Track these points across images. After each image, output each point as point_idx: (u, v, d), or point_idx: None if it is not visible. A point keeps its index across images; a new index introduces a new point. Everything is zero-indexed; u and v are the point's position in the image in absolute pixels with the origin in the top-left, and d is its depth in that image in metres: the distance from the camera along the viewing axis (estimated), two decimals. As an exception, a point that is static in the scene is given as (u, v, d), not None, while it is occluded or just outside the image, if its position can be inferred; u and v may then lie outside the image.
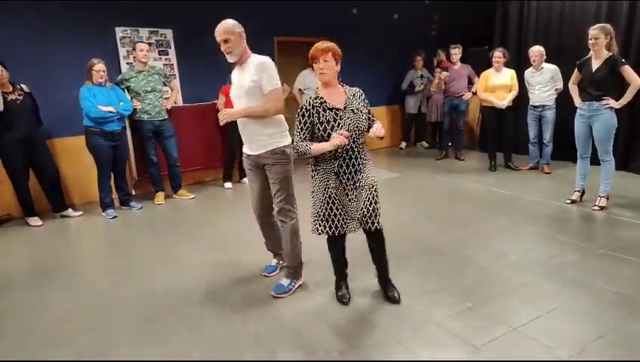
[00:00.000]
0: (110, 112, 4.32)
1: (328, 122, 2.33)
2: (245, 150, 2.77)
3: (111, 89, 4.44)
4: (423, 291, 2.70)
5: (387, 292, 2.62)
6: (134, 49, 4.72)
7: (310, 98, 2.38)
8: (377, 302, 2.59)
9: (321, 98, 2.36)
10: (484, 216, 4.07)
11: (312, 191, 2.49)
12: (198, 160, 5.64)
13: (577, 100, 4.04)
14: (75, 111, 4.42)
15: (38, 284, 3.13)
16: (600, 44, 3.74)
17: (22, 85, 4.22)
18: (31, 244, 4.02)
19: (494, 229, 3.72)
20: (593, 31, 3.76)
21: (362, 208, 2.40)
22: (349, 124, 2.34)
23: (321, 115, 2.34)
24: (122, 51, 5.16)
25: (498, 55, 5.49)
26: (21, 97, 4.17)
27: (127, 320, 2.55)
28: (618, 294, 2.56)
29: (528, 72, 5.39)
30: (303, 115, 2.36)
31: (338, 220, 2.43)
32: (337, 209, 2.42)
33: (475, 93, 6.23)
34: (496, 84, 5.52)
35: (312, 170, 2.49)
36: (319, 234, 2.48)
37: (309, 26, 6.54)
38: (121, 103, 4.47)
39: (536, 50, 5.23)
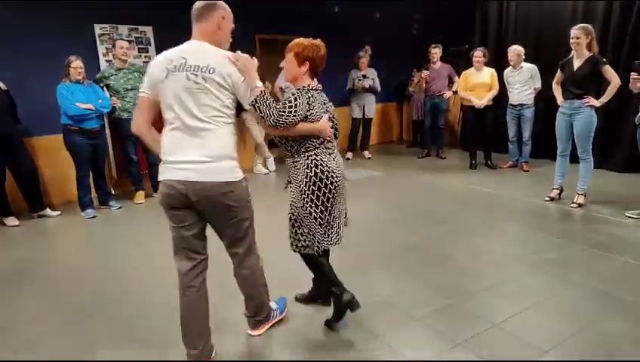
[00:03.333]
0: (88, 110, 4.24)
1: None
2: None
3: (89, 86, 4.35)
4: (403, 288, 2.73)
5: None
6: (114, 46, 4.63)
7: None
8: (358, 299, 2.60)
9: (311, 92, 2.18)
10: (464, 213, 4.13)
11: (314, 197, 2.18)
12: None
13: (560, 99, 4.13)
14: (53, 110, 4.31)
15: (14, 284, 3.06)
16: (581, 43, 3.83)
17: (-1, 83, 4.11)
18: (7, 244, 3.91)
19: (474, 226, 3.77)
20: (575, 31, 3.85)
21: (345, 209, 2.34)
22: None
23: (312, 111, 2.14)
24: (101, 48, 5.05)
25: (478, 55, 5.57)
26: (-3, 95, 4.06)
27: (104, 320, 2.50)
28: (595, 289, 2.62)
29: (507, 72, 5.48)
30: (301, 98, 2.10)
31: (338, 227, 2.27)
32: (297, 221, 2.23)
33: (455, 92, 6.31)
34: (476, 83, 5.60)
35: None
36: (322, 249, 2.25)
37: (290, 23, 6.51)
38: (100, 101, 4.38)
39: (514, 50, 5.31)
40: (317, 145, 2.16)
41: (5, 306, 2.76)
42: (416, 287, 2.74)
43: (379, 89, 6.71)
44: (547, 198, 4.31)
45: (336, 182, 2.19)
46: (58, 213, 4.59)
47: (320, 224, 2.19)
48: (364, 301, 2.56)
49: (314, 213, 2.17)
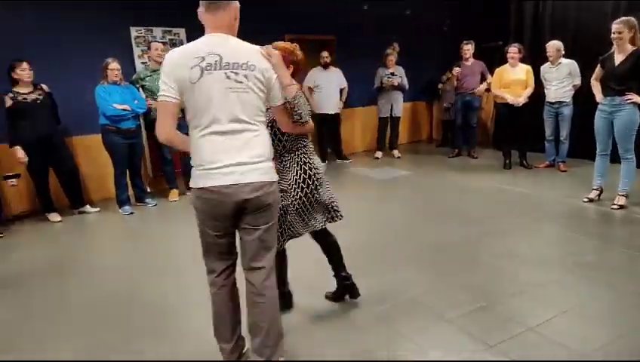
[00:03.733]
0: (125, 110, 4.39)
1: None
2: None
3: (126, 87, 4.51)
4: (433, 289, 2.69)
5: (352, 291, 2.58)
6: (149, 48, 4.78)
7: None
8: (387, 299, 2.59)
9: None
10: (497, 214, 4.03)
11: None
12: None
13: (599, 96, 3.96)
14: (92, 110, 4.50)
15: (56, 276, 3.22)
16: (624, 38, 3.67)
17: (42, 85, 4.32)
18: (50, 238, 4.12)
19: (509, 227, 3.67)
20: (616, 25, 3.69)
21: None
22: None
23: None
24: (137, 50, 5.22)
25: (513, 50, 5.41)
26: (41, 97, 4.26)
27: (142, 314, 2.58)
28: (637, 294, 2.51)
29: (545, 68, 5.29)
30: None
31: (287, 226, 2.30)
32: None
33: (488, 90, 6.15)
34: (511, 80, 5.44)
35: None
36: (289, 239, 2.32)
37: (319, 23, 6.55)
38: (136, 102, 4.53)
39: (553, 45, 5.12)
40: (306, 143, 2.29)
41: (46, 294, 2.92)
42: (447, 288, 2.69)
43: (407, 87, 6.63)
44: (586, 199, 4.15)
45: (320, 176, 2.32)
46: (97, 209, 4.79)
47: (302, 215, 2.30)
48: (393, 300, 2.57)
49: (300, 208, 2.27)
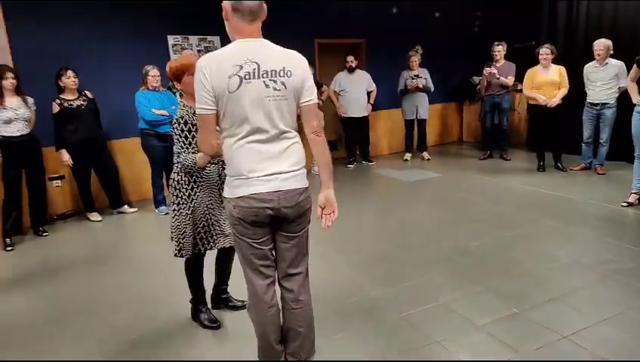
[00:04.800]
0: (163, 115, 4.57)
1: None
2: None
3: (164, 94, 4.69)
4: (464, 294, 2.69)
5: (229, 302, 2.70)
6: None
7: (188, 112, 2.22)
8: (416, 304, 2.61)
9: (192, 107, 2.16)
10: (531, 217, 3.96)
11: (189, 210, 2.31)
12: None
13: (636, 97, 3.86)
14: (130, 115, 4.71)
15: (97, 272, 3.42)
16: None
17: (86, 92, 4.56)
18: (91, 236, 4.36)
19: (543, 231, 3.62)
20: None
21: None
22: None
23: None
24: (174, 57, 5.42)
25: (545, 51, 5.29)
26: (85, 103, 4.50)
27: (171, 313, 2.68)
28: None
29: (590, 67, 5.10)
30: (190, 130, 2.21)
31: (213, 235, 2.38)
32: (213, 224, 2.36)
33: (514, 90, 6.03)
34: (544, 81, 5.32)
35: (186, 186, 2.31)
36: (198, 252, 2.37)
37: (348, 28, 6.59)
38: (173, 107, 4.71)
39: (602, 44, 4.92)
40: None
41: (87, 286, 3.17)
42: (478, 293, 2.69)
43: (432, 89, 6.55)
44: (625, 204, 4.03)
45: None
46: (135, 209, 5.00)
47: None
48: (422, 305, 2.58)
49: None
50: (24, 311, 2.87)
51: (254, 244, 1.78)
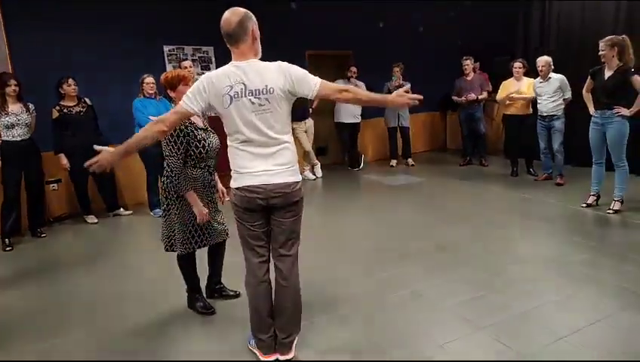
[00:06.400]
0: (158, 122, 4.82)
1: (204, 140, 2.53)
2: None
3: (160, 101, 4.95)
4: (435, 283, 3.00)
5: (222, 291, 2.95)
6: (180, 66, 5.23)
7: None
8: (391, 291, 2.90)
9: (188, 120, 2.41)
10: (502, 217, 4.31)
11: (178, 210, 2.56)
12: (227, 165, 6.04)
13: (591, 108, 4.24)
14: (127, 121, 4.95)
15: (94, 271, 3.61)
16: (607, 56, 3.97)
17: (85, 99, 4.81)
18: (87, 238, 4.55)
19: (511, 229, 3.96)
20: (601, 44, 4.00)
21: (222, 220, 2.74)
22: (215, 142, 2.63)
23: (197, 134, 2.50)
24: (169, 67, 5.70)
25: (518, 65, 5.72)
26: (84, 109, 4.75)
27: (177, 300, 2.89)
28: (620, 287, 2.77)
29: (536, 82, 5.42)
30: (179, 136, 2.43)
31: (205, 234, 2.63)
32: (206, 225, 2.61)
33: (488, 100, 6.46)
34: (516, 92, 5.70)
35: (174, 188, 2.52)
36: (191, 251, 2.62)
37: (337, 39, 6.95)
38: (168, 114, 4.96)
39: (543, 61, 5.22)
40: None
41: (84, 284, 3.35)
42: (448, 282, 2.99)
43: None
44: (584, 204, 4.39)
45: None
46: (130, 212, 5.23)
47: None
48: (397, 291, 2.88)
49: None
50: (22, 308, 3.00)
51: (249, 226, 2.13)
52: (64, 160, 4.68)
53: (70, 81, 4.62)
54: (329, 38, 6.91)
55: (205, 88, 1.97)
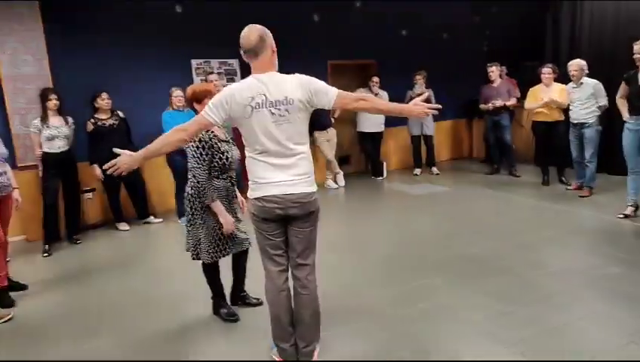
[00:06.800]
0: (187, 133, 4.97)
1: (227, 152, 2.62)
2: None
3: (188, 113, 5.08)
4: (458, 295, 2.94)
5: (245, 299, 2.99)
6: (206, 79, 5.40)
7: (202, 134, 2.50)
8: (412, 304, 2.87)
9: (212, 132, 2.58)
10: (529, 228, 4.18)
11: (202, 220, 2.63)
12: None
13: (625, 114, 4.07)
14: (157, 132, 5.09)
15: (125, 276, 3.75)
16: None
17: (118, 112, 5.01)
18: (119, 245, 4.72)
19: (539, 241, 3.83)
20: (636, 47, 3.83)
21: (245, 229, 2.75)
22: (236, 153, 2.71)
23: (220, 146, 2.59)
24: (197, 80, 5.87)
25: (547, 71, 5.52)
26: (117, 122, 4.95)
27: (203, 306, 2.96)
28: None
29: (569, 87, 5.22)
30: (204, 148, 2.52)
31: (227, 243, 2.69)
32: (231, 235, 2.66)
33: (512, 108, 6.29)
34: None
35: (199, 199, 2.60)
36: (217, 259, 2.69)
37: (359, 49, 6.98)
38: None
39: (575, 64, 4.98)
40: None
41: (116, 288, 3.48)
42: (471, 294, 2.93)
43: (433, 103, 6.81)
44: (621, 215, 4.21)
45: None
46: (160, 220, 5.38)
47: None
48: (418, 304, 2.84)
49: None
50: (59, 309, 3.18)
51: (268, 236, 2.18)
52: (98, 170, 4.87)
53: (104, 95, 4.84)
54: (351, 48, 6.93)
55: (227, 100, 2.03)
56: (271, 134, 2.04)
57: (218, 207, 2.57)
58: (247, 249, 2.84)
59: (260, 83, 2.04)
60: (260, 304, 2.91)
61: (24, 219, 4.83)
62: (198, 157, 2.53)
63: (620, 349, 2.24)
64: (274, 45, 2.10)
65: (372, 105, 2.20)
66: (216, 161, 2.58)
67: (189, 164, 2.60)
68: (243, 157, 2.30)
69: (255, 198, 2.13)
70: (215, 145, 2.56)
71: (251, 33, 2.04)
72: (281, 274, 2.23)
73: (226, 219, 2.58)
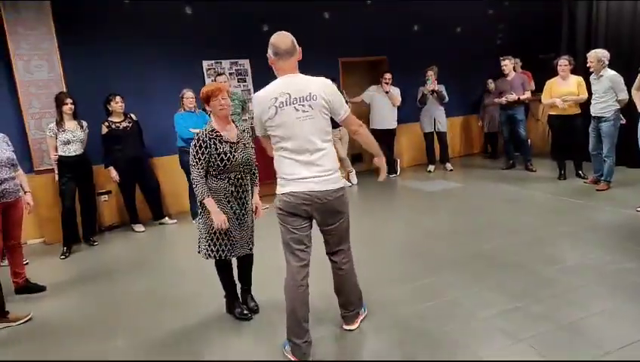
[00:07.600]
0: (198, 134, 5.02)
1: (225, 153, 2.57)
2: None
3: (199, 114, 5.16)
4: (472, 291, 2.90)
5: (249, 303, 2.94)
6: (215, 80, 5.43)
7: (205, 131, 2.58)
8: (426, 300, 2.84)
9: (216, 132, 2.59)
10: (545, 223, 4.10)
11: (204, 217, 2.69)
12: (266, 174, 6.15)
13: (640, 106, 3.96)
14: (169, 134, 5.19)
15: (141, 276, 3.81)
16: None
17: (131, 114, 5.09)
18: (135, 245, 4.79)
19: (554, 236, 3.75)
20: None
21: (246, 233, 2.78)
22: (242, 156, 2.66)
23: (218, 147, 2.56)
24: (208, 81, 5.91)
25: (563, 63, 5.39)
26: (130, 125, 5.02)
27: (212, 310, 2.99)
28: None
29: (591, 78, 5.07)
30: (200, 147, 2.54)
31: (228, 244, 2.70)
32: (227, 234, 2.67)
33: (529, 102, 6.19)
34: (562, 93, 5.41)
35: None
36: (214, 258, 2.74)
37: (370, 45, 6.94)
38: (207, 126, 5.16)
39: (592, 55, 4.83)
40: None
41: (132, 287, 3.54)
42: (484, 290, 2.89)
43: (446, 98, 6.72)
44: (639, 209, 4.09)
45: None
46: (174, 221, 5.45)
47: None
48: (432, 300, 2.82)
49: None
50: (77, 310, 3.24)
51: (292, 229, 2.27)
52: (114, 172, 4.96)
53: (117, 98, 4.91)
54: (362, 45, 6.90)
55: (256, 106, 2.23)
56: (296, 131, 2.15)
57: (209, 203, 2.60)
58: (251, 257, 2.88)
59: (284, 83, 2.18)
60: (257, 312, 2.90)
61: (42, 222, 4.96)
62: (193, 156, 2.58)
63: (636, 345, 2.17)
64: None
65: (363, 138, 2.39)
66: (212, 161, 2.59)
67: (189, 162, 2.65)
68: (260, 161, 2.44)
69: (283, 193, 2.24)
70: (212, 146, 2.57)
71: (285, 37, 2.21)
72: (302, 269, 2.30)
73: (216, 216, 2.59)
